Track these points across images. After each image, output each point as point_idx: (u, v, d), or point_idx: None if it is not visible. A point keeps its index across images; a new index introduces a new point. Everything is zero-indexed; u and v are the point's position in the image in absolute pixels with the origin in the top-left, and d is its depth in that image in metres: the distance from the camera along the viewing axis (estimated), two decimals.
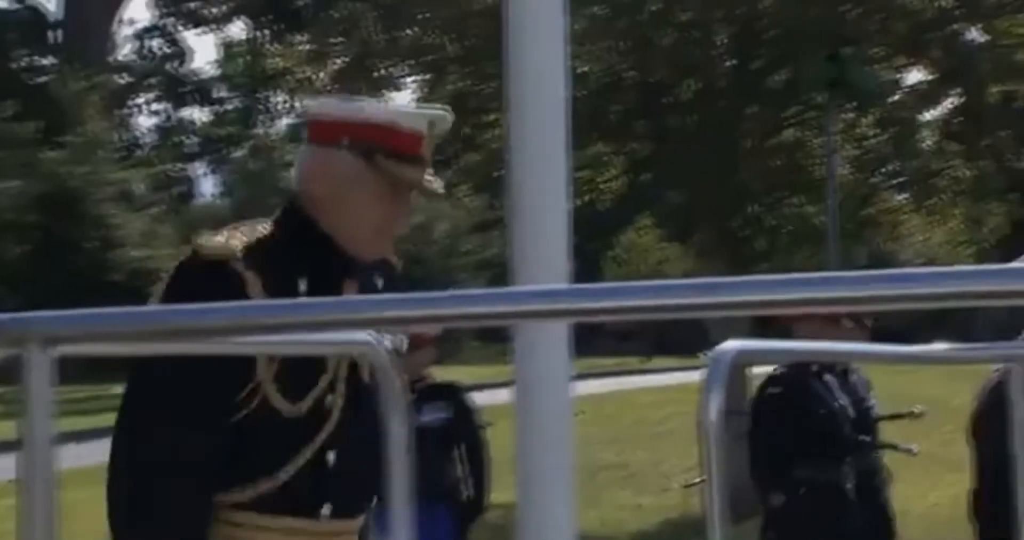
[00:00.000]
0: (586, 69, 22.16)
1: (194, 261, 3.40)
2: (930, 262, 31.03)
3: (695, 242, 26.12)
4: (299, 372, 3.36)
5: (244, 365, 3.27)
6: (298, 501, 3.42)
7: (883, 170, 26.04)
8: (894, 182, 27.00)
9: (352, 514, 3.45)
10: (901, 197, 28.02)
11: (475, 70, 22.07)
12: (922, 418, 8.40)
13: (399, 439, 2.24)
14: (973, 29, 23.93)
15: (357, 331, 2.09)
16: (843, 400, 7.21)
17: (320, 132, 3.48)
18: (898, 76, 25.22)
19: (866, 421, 7.30)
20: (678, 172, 22.49)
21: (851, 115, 24.04)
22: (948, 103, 26.32)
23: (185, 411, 3.29)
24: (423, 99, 23.63)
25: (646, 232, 41.24)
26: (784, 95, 22.93)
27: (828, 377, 7.19)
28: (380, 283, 3.46)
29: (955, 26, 23.43)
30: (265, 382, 3.31)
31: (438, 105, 3.56)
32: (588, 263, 27.95)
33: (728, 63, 22.87)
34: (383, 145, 3.41)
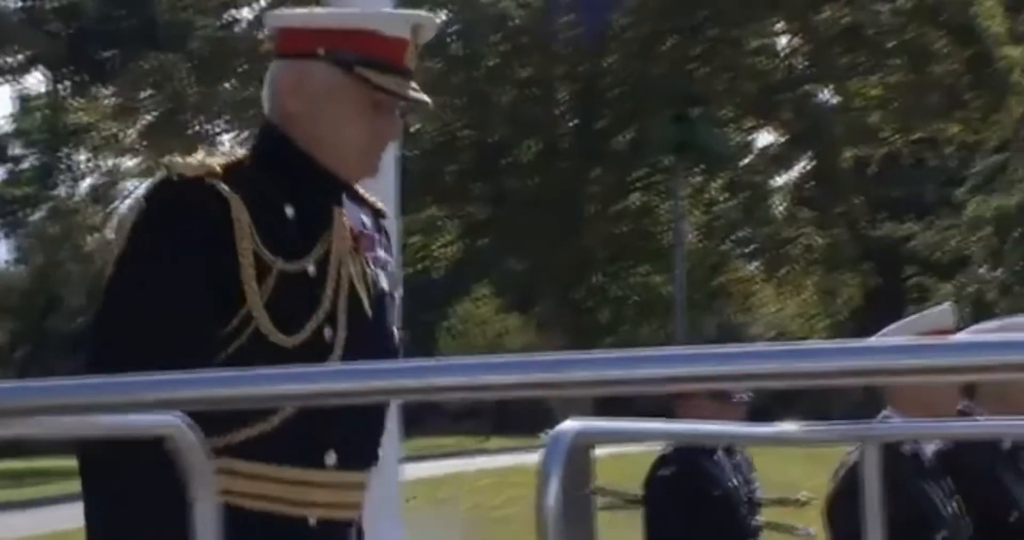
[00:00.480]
0: (419, 127, 22.20)
1: (166, 183, 3.20)
2: (782, 335, 31.39)
3: (536, 313, 26.19)
4: (292, 300, 3.19)
5: (230, 290, 3.14)
6: (298, 447, 3.20)
7: (733, 237, 26.37)
8: (745, 250, 27.36)
9: (359, 466, 3.29)
10: (752, 266, 28.38)
11: None
12: (807, 506, 8.41)
13: (207, 523, 2.19)
14: (825, 90, 24.41)
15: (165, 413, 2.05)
16: (735, 480, 7.23)
17: (292, 42, 3.34)
18: (748, 138, 25.60)
19: (753, 503, 7.31)
20: (518, 238, 22.54)
21: (700, 179, 24.31)
22: (800, 167, 26.80)
23: (166, 344, 3.13)
24: None
25: (484, 302, 41.26)
26: (629, 157, 23.12)
27: (719, 455, 7.21)
28: (368, 222, 3.37)
29: (806, 87, 23.87)
30: (255, 309, 3.17)
31: (422, 9, 3.47)
32: (421, 335, 27.86)
33: (570, 123, 23.06)
34: (363, 54, 3.27)
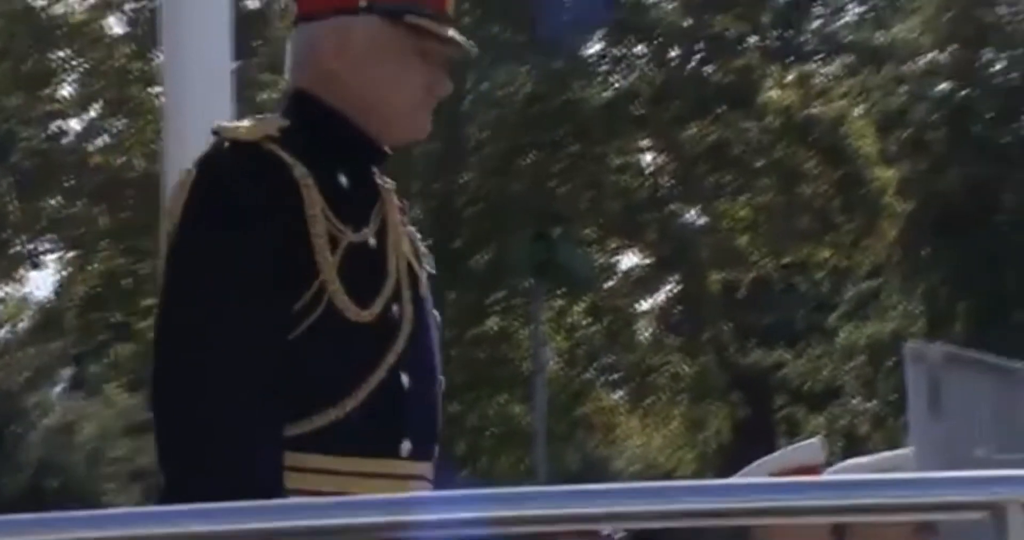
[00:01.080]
0: None
1: (219, 149, 3.10)
2: (648, 469, 31.51)
3: None
4: (361, 273, 3.11)
5: (300, 263, 3.01)
6: (374, 435, 3.09)
7: (596, 364, 26.49)
8: (609, 378, 27.47)
9: (427, 456, 3.20)
10: (616, 395, 28.52)
11: (130, 246, 21.86)
12: None
13: None
14: (692, 211, 24.67)
15: None
16: None
17: (323, 0, 3.23)
18: (612, 260, 25.79)
19: None
20: None
21: (561, 302, 24.43)
22: (666, 291, 27.03)
23: (239, 327, 2.98)
24: (68, 279, 23.32)
25: None
26: (487, 279, 23.22)
27: None
28: (383, 181, 3.27)
29: (672, 207, 24.13)
30: (331, 282, 3.04)
31: None
32: None
33: (425, 242, 23.11)
34: (410, 2, 3.23)
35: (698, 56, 24.12)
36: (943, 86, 27.71)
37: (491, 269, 22.98)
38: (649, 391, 26.24)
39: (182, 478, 2.94)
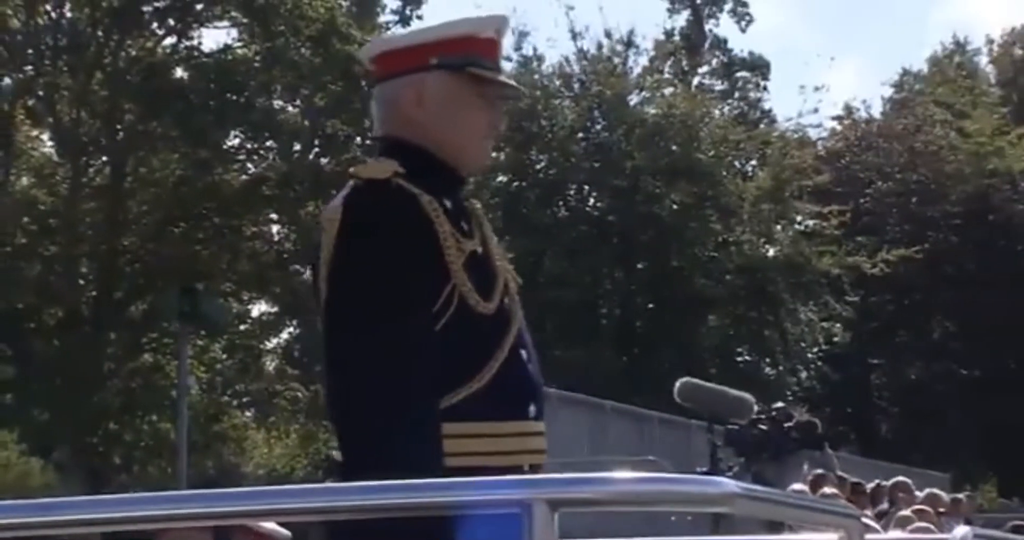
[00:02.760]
0: None
1: (359, 188, 3.02)
2: (271, 473, 31.13)
3: (55, 457, 25.11)
4: (480, 275, 3.05)
5: (435, 272, 2.96)
6: (507, 401, 3.03)
7: (231, 391, 26.09)
8: (241, 401, 27.09)
9: (542, 416, 3.12)
10: (247, 415, 28.14)
11: None
12: None
13: None
14: (308, 269, 24.58)
15: None
16: None
17: (399, 62, 3.15)
18: (245, 308, 25.49)
19: None
20: (41, 392, 21.70)
21: (203, 342, 24.01)
22: (288, 332, 26.83)
23: (401, 330, 2.91)
24: None
25: (7, 446, 39.49)
26: (142, 323, 22.68)
27: None
28: (469, 202, 3.20)
29: (294, 267, 23.99)
30: (462, 284, 2.99)
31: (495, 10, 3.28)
32: None
33: (91, 293, 22.45)
34: (470, 55, 3.12)
35: (315, 150, 24.10)
36: (501, 178, 28.30)
37: (146, 316, 22.47)
38: (273, 411, 25.96)
39: (361, 457, 2.90)
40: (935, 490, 14.25)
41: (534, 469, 3.03)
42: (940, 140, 34.24)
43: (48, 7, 22.38)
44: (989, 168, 33.43)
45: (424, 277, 2.98)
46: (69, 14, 22.53)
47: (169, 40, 23.05)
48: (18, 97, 22.39)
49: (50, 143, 23.75)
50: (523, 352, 3.11)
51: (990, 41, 41.03)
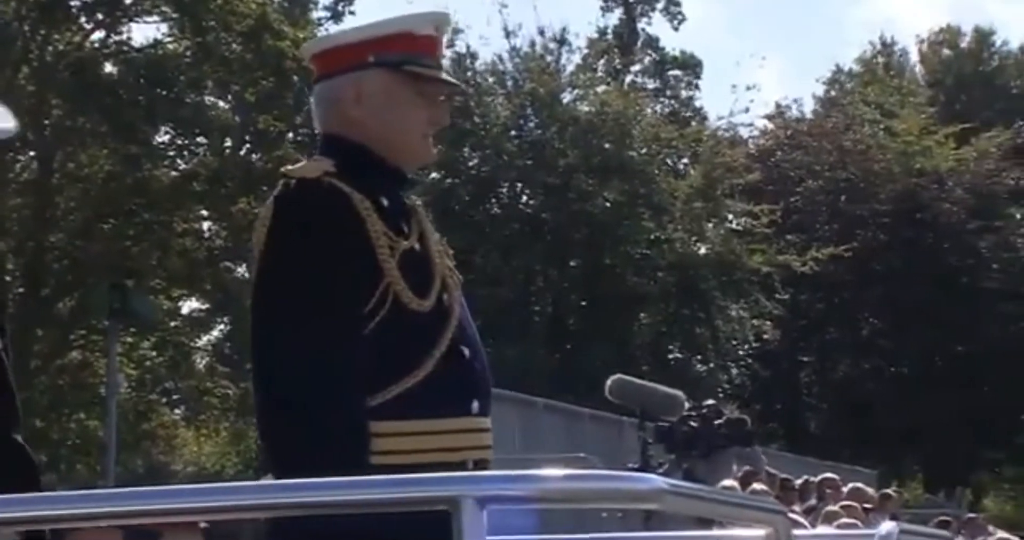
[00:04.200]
0: None
1: (290, 187, 3.00)
2: (200, 471, 30.97)
3: None
4: (415, 272, 3.04)
5: (366, 270, 2.96)
6: (446, 398, 3.01)
7: (160, 388, 25.91)
8: (171, 399, 26.90)
9: (488, 411, 3.10)
10: (176, 413, 27.94)
11: None
12: None
13: None
14: (241, 267, 24.43)
15: None
16: None
17: (338, 60, 3.14)
18: (176, 305, 25.30)
19: None
20: None
21: (132, 339, 23.82)
22: (219, 329, 26.66)
23: (323, 328, 2.91)
24: None
25: None
26: (71, 320, 22.48)
27: None
28: (407, 200, 3.17)
29: (225, 264, 23.86)
30: (395, 282, 2.98)
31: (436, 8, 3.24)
32: None
33: (18, 289, 22.23)
34: (408, 53, 3.11)
35: (246, 146, 23.97)
36: (433, 175, 28.27)
37: (74, 312, 22.26)
38: (203, 409, 25.80)
39: (286, 452, 2.91)
40: (861, 486, 14.39)
41: (479, 465, 3.03)
42: (869, 139, 34.54)
43: None
44: (917, 167, 33.77)
45: (353, 275, 2.98)
46: None
47: (98, 34, 22.85)
48: None
49: None
50: (465, 349, 3.11)
51: (920, 41, 41.47)
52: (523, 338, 26.87)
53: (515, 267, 28.35)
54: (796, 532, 2.43)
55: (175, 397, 26.58)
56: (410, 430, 2.97)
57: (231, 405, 25.39)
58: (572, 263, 29.43)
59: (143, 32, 33.40)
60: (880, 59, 40.34)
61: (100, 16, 22.63)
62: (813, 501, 12.88)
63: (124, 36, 22.89)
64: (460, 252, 3.28)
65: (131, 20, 22.93)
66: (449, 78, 3.30)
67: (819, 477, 14.00)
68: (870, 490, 14.53)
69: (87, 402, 22.88)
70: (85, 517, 1.92)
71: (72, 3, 22.30)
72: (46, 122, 22.32)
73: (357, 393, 2.95)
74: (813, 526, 9.80)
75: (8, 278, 22.24)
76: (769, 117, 36.26)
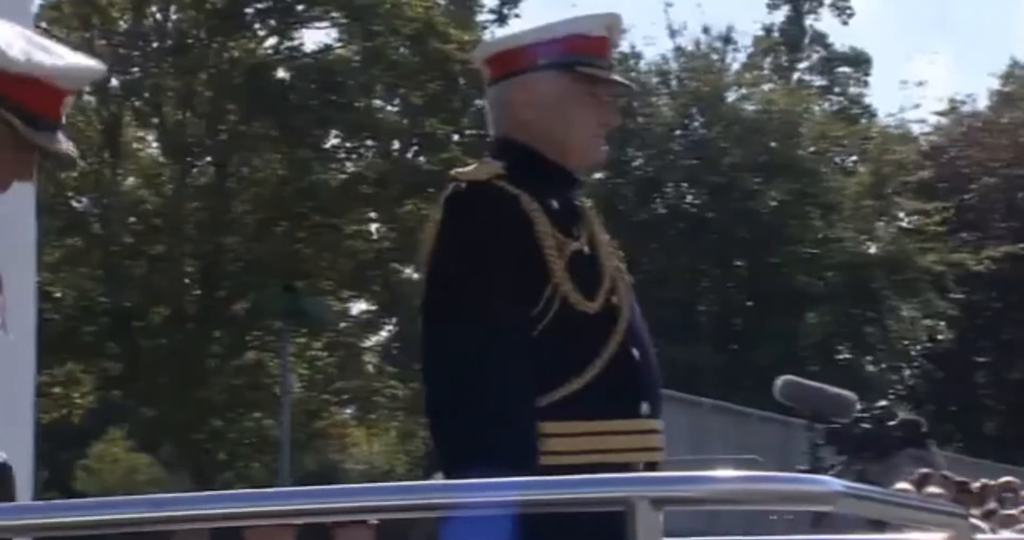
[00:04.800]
0: (59, 295, 21.60)
1: (459, 191, 3.04)
2: (371, 469, 31.34)
3: (163, 453, 25.49)
4: (583, 274, 3.05)
5: (535, 272, 2.98)
6: (615, 399, 3.03)
7: (331, 388, 26.29)
8: (341, 398, 27.28)
9: (659, 413, 3.10)
10: (347, 412, 28.33)
11: None
12: None
13: None
14: (409, 269, 24.71)
15: None
16: None
17: (510, 63, 3.16)
18: (345, 306, 25.66)
19: None
20: (149, 389, 22.01)
21: (304, 340, 24.21)
22: (388, 330, 26.97)
23: (495, 317, 2.95)
24: None
25: (116, 443, 40.02)
26: (246, 321, 22.91)
27: None
28: (577, 203, 3.19)
29: (393, 265, 24.13)
30: (563, 283, 3.00)
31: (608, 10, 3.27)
32: (59, 471, 26.84)
33: (195, 292, 22.73)
34: (579, 54, 3.13)
35: (414, 149, 24.21)
36: (598, 175, 28.26)
37: (250, 314, 22.70)
38: (373, 409, 26.11)
39: (457, 452, 2.93)
40: None
41: (650, 467, 3.01)
42: None
43: (154, 8, 22.69)
44: None
45: (522, 277, 2.99)
46: (175, 16, 22.83)
47: (271, 41, 23.27)
48: (125, 98, 22.73)
49: (155, 144, 24.07)
50: (634, 350, 3.09)
51: None
52: (690, 338, 26.73)
53: (680, 267, 28.20)
54: (976, 536, 2.38)
55: (345, 397, 26.94)
56: (579, 430, 2.97)
57: (400, 405, 25.66)
58: (738, 263, 29.19)
59: (314, 38, 33.88)
60: None
61: (273, 23, 23.05)
62: (992, 505, 12.59)
63: (296, 42, 23.29)
64: (625, 252, 3.26)
65: (302, 26, 23.32)
66: (620, 78, 3.28)
67: (999, 480, 13.68)
68: None
69: (262, 402, 23.30)
70: (260, 515, 1.96)
71: (246, 11, 22.75)
72: (222, 127, 22.80)
73: (527, 393, 2.96)
74: (993, 531, 9.58)
75: (187, 281, 22.76)
76: (942, 113, 35.58)
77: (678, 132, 29.31)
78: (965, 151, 33.90)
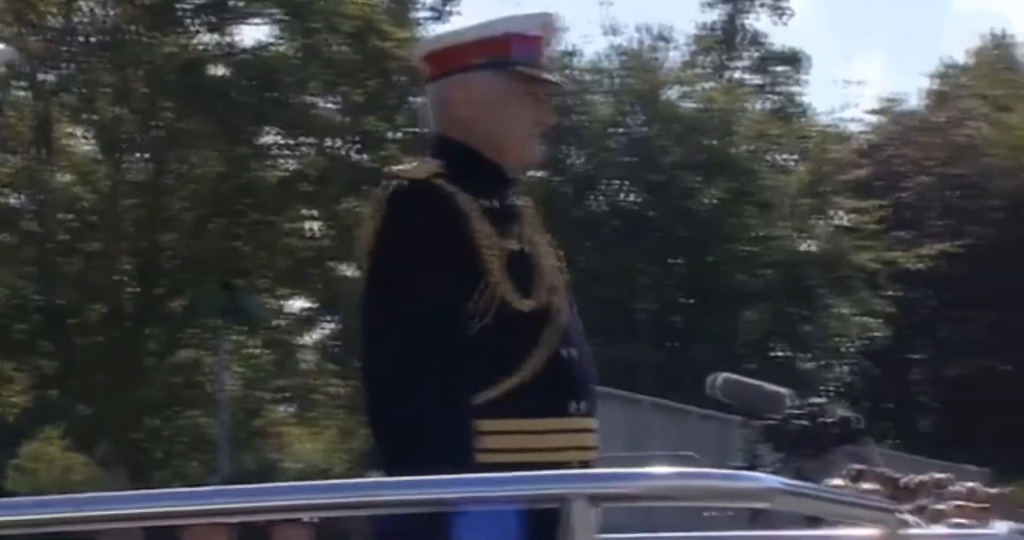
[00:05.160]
0: None
1: (398, 189, 3.05)
2: (309, 467, 31.21)
3: (98, 452, 25.28)
4: (520, 272, 3.07)
5: (471, 269, 3.00)
6: (548, 398, 3.03)
7: (269, 386, 26.17)
8: (279, 396, 27.16)
9: (592, 412, 3.11)
10: (285, 410, 28.21)
11: None
12: None
13: None
14: (347, 266, 24.63)
15: None
16: None
17: (448, 61, 3.17)
18: (282, 304, 25.54)
19: None
20: (84, 387, 21.83)
21: (241, 337, 24.08)
22: (327, 328, 26.87)
23: (432, 315, 2.96)
24: None
25: (51, 442, 39.65)
26: (182, 319, 22.77)
27: None
28: (517, 200, 3.20)
29: (331, 263, 24.04)
30: (501, 281, 3.02)
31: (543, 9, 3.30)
32: None
33: (132, 289, 22.57)
34: (516, 54, 3.14)
35: (353, 147, 24.13)
36: (537, 173, 28.27)
37: (187, 311, 22.55)
38: (311, 407, 26.02)
39: (395, 450, 2.94)
40: (974, 485, 14.16)
41: (583, 466, 3.02)
42: (981, 133, 34.01)
43: (88, 3, 22.49)
44: None
45: (459, 275, 3.00)
46: (106, 11, 22.63)
47: (208, 37, 23.12)
48: (56, 94, 22.51)
49: (90, 140, 23.86)
50: (570, 349, 3.11)
51: None
52: (629, 336, 26.80)
53: (618, 265, 28.27)
54: (908, 531, 2.40)
55: (284, 395, 26.84)
56: (514, 428, 2.99)
57: (340, 403, 25.59)
58: (676, 261, 29.29)
59: (251, 34, 33.70)
60: (993, 53, 39.69)
61: (210, 19, 22.91)
62: (924, 500, 12.70)
63: (233, 38, 23.16)
64: (563, 250, 3.27)
65: (240, 22, 23.19)
66: (556, 78, 3.30)
67: (930, 476, 13.81)
68: (983, 489, 14.31)
69: (199, 400, 23.17)
70: (197, 514, 1.95)
71: (183, 6, 22.59)
72: (158, 124, 22.64)
73: (464, 392, 2.97)
74: (925, 525, 9.68)
75: (123, 278, 22.59)
76: (877, 112, 35.86)
77: (616, 130, 29.37)
78: (900, 150, 34.19)
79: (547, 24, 3.23)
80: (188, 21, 22.91)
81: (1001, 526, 2.67)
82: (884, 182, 32.14)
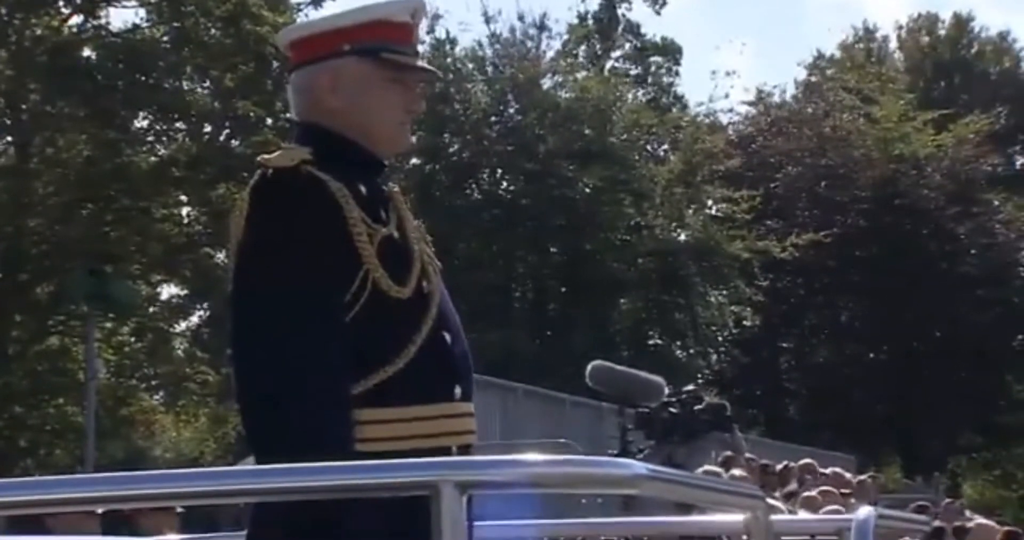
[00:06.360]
0: None
1: (265, 177, 3.00)
2: (179, 456, 30.92)
3: None
4: (394, 259, 3.04)
5: (345, 258, 2.95)
6: (428, 384, 3.01)
7: (139, 374, 25.85)
8: (149, 385, 26.84)
9: (471, 396, 3.10)
10: (155, 398, 27.89)
11: None
12: None
13: None
14: (220, 253, 24.38)
15: None
16: None
17: (314, 48, 3.13)
18: (154, 291, 25.23)
19: None
20: None
21: (111, 325, 23.75)
22: (199, 315, 26.61)
23: (305, 304, 2.91)
24: None
25: None
26: (49, 305, 22.41)
27: None
28: (385, 187, 3.15)
29: (205, 250, 23.79)
30: (374, 269, 2.97)
31: None
32: None
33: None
34: (384, 41, 3.11)
35: (226, 132, 23.90)
36: (414, 161, 28.23)
37: (53, 298, 22.19)
38: (182, 395, 25.76)
39: (269, 439, 2.90)
40: (840, 471, 14.43)
41: (463, 451, 3.03)
42: (849, 125, 34.59)
43: None
44: (896, 154, 33.84)
45: (332, 263, 2.98)
46: None
47: (76, 19, 22.75)
48: None
49: None
50: (446, 335, 3.11)
51: (899, 27, 41.52)
52: (504, 324, 26.88)
53: (495, 253, 28.33)
54: (775, 517, 2.44)
55: (154, 383, 26.53)
56: (392, 417, 2.97)
57: (210, 391, 25.36)
58: (552, 249, 29.43)
59: (121, 16, 33.27)
60: (860, 45, 40.38)
61: (78, 0, 22.54)
62: (793, 486, 12.91)
63: (102, 20, 22.80)
64: (440, 238, 3.28)
65: (109, 4, 22.83)
66: (425, 65, 3.30)
67: (798, 463, 14.05)
68: (849, 475, 14.58)
69: (66, 388, 22.81)
70: (63, 502, 1.92)
71: None
72: (24, 106, 22.24)
73: (340, 381, 2.95)
74: (792, 511, 9.83)
75: None
76: (749, 103, 36.31)
77: (493, 118, 29.42)
78: (771, 141, 34.66)
79: (416, 10, 3.22)
80: (56, 2, 22.53)
81: (865, 511, 2.71)
82: (755, 172, 32.57)
